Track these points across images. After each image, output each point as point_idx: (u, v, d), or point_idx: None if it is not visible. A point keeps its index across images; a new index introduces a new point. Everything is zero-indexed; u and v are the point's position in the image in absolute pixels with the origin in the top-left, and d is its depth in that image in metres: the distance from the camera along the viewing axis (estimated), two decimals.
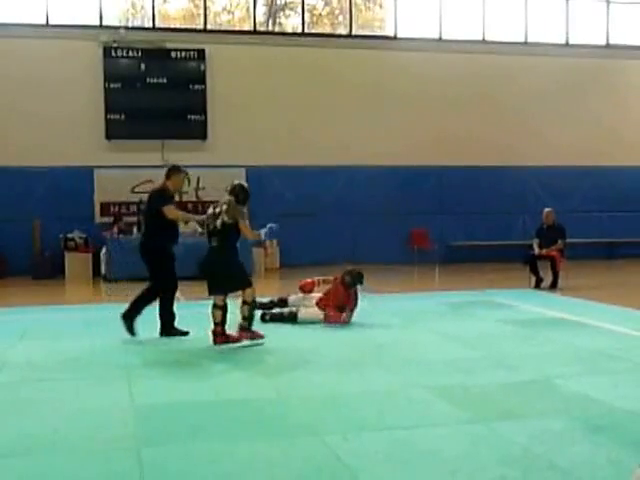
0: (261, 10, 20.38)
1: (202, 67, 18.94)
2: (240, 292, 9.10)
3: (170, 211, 9.52)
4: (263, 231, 9.45)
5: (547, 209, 15.36)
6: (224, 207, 8.97)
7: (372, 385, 7.20)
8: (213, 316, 9.05)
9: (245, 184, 9.46)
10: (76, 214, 17.99)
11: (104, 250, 17.04)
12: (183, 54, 18.89)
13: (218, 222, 8.97)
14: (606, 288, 15.09)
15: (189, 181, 18.98)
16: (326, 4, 21.16)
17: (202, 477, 4.88)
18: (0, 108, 18.05)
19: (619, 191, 21.39)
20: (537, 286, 14.72)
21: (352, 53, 19.89)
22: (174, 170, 9.83)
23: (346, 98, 19.74)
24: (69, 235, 17.70)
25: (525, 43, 21.23)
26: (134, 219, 17.98)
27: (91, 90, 18.38)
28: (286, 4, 20.83)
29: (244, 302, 9.05)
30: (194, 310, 12.39)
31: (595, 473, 4.85)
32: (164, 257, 9.71)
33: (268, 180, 19.13)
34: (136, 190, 18.53)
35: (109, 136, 18.52)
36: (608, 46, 21.86)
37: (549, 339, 9.42)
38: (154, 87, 18.70)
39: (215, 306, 9.07)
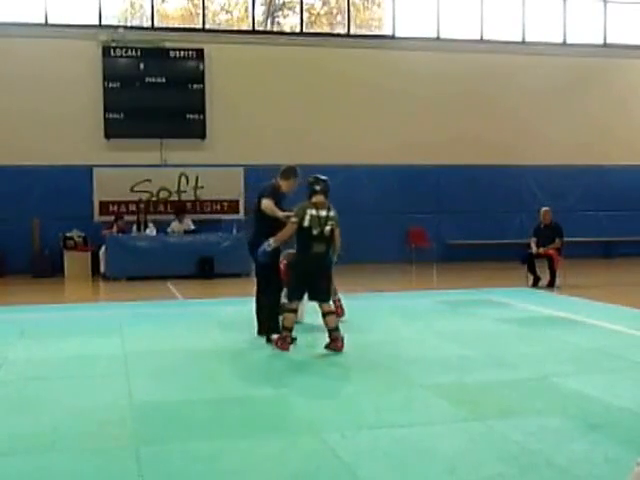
0: (259, 10, 20.38)
1: (201, 66, 18.95)
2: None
3: (266, 204, 9.02)
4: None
5: (544, 208, 15.39)
6: (332, 213, 8.53)
7: (370, 383, 7.22)
8: (286, 320, 8.57)
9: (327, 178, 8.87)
10: (75, 213, 18.00)
11: (103, 249, 17.06)
12: (182, 53, 18.90)
13: (328, 227, 8.45)
14: (603, 287, 15.12)
15: (187, 180, 19.06)
16: (324, 4, 21.18)
17: (200, 475, 4.90)
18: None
19: (616, 190, 21.41)
20: (534, 285, 14.75)
21: (350, 52, 19.90)
22: (291, 172, 9.43)
23: (344, 97, 19.76)
24: (68, 234, 17.70)
25: (523, 42, 21.25)
26: (133, 218, 18.02)
27: (90, 89, 18.38)
28: (284, 4, 20.85)
29: (331, 313, 8.60)
30: (194, 309, 12.46)
31: (592, 471, 4.87)
32: (273, 254, 9.04)
33: (267, 179, 19.01)
34: (135, 189, 18.58)
35: (108, 135, 18.53)
36: (605, 45, 21.88)
37: (546, 337, 9.45)
38: (153, 86, 18.71)
39: (291, 310, 8.60)
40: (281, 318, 8.73)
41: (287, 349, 8.49)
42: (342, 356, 8.31)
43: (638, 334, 9.63)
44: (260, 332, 9.37)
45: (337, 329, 8.44)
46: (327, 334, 8.48)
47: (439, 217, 20.28)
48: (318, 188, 8.54)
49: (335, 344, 8.40)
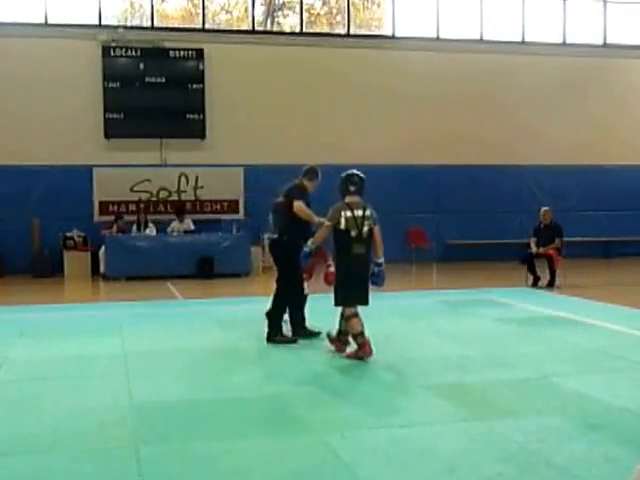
0: (259, 10, 20.39)
1: (200, 66, 18.95)
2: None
3: (299, 207, 8.92)
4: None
5: (544, 208, 15.39)
6: (368, 212, 8.21)
7: (370, 383, 7.24)
8: (352, 327, 8.18)
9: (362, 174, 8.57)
10: (75, 213, 18.00)
11: (103, 249, 17.06)
12: (182, 53, 18.90)
13: (366, 228, 8.14)
14: (603, 287, 15.13)
15: (187, 180, 19.06)
16: (324, 3, 21.18)
17: (200, 475, 4.91)
18: None
19: (616, 190, 21.41)
20: (534, 285, 14.76)
21: (350, 52, 19.90)
22: (315, 173, 9.40)
23: (344, 97, 19.76)
24: (68, 234, 17.71)
25: (522, 42, 21.25)
26: (133, 218, 18.02)
27: (90, 89, 18.38)
28: (284, 4, 20.84)
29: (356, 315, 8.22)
30: (194, 309, 12.47)
31: (591, 470, 4.87)
32: (295, 254, 8.86)
33: (266, 179, 19.11)
34: (135, 189, 18.58)
35: (108, 135, 18.52)
36: (605, 45, 21.89)
37: (546, 337, 9.45)
38: (153, 86, 18.71)
39: (352, 315, 8.18)
40: (345, 326, 8.29)
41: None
42: (339, 357, 8.30)
43: (638, 334, 9.63)
44: (296, 333, 9.27)
45: (362, 334, 8.11)
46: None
47: (439, 217, 20.28)
48: (353, 189, 8.26)
49: (360, 350, 8.11)
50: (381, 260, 8.25)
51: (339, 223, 8.11)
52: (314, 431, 5.74)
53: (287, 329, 9.35)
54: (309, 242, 8.39)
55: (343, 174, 8.44)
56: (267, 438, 5.60)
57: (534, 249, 14.99)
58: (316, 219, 8.79)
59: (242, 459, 5.18)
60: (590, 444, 5.37)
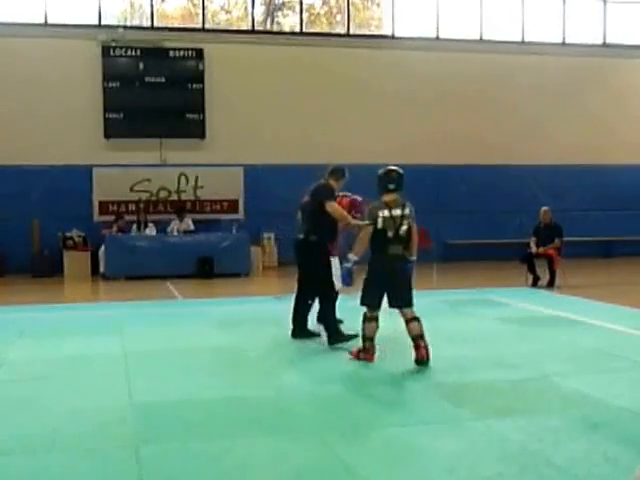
0: (259, 9, 20.39)
1: (200, 66, 18.94)
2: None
3: (333, 207, 8.76)
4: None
5: (544, 208, 15.38)
6: (407, 210, 7.96)
7: (370, 383, 7.24)
8: (367, 329, 8.00)
9: (401, 171, 8.33)
10: (75, 213, 18.00)
11: (103, 248, 17.06)
12: (181, 53, 18.90)
13: (404, 227, 7.89)
14: (603, 286, 15.11)
15: (187, 179, 19.06)
16: (324, 3, 21.19)
17: (200, 475, 4.90)
18: None
19: (616, 189, 21.42)
20: (534, 284, 14.75)
21: (350, 52, 19.90)
22: (342, 173, 9.19)
23: (344, 97, 19.76)
24: (68, 234, 17.70)
25: (522, 42, 21.24)
26: (133, 218, 18.02)
27: (90, 89, 18.38)
28: (284, 3, 20.85)
29: (415, 319, 7.90)
30: (194, 309, 12.47)
31: (591, 470, 4.87)
32: (323, 255, 8.86)
33: (266, 179, 19.17)
34: (135, 189, 18.58)
35: (108, 135, 18.52)
36: (605, 45, 21.89)
37: (546, 337, 9.45)
38: (152, 86, 18.71)
39: (371, 319, 8.00)
40: (361, 328, 8.08)
41: (371, 359, 7.97)
42: (341, 356, 8.29)
43: (638, 333, 9.63)
44: (293, 334, 9.25)
45: (421, 337, 7.84)
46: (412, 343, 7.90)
47: (439, 217, 20.24)
48: (392, 187, 8.03)
49: (418, 352, 7.80)
50: (413, 258, 8.04)
51: (376, 222, 7.88)
52: (314, 430, 5.74)
53: (318, 328, 9.23)
54: (350, 256, 8.06)
55: (380, 171, 8.23)
56: (267, 437, 5.59)
57: (534, 249, 14.99)
58: (352, 220, 8.63)
59: (242, 459, 5.17)
60: (590, 444, 5.36)
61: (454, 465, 4.96)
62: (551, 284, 14.56)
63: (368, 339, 8.00)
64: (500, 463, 4.97)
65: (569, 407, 6.29)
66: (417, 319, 7.88)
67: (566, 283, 14.59)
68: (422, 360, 7.75)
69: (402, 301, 7.92)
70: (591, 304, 12.30)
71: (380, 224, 7.86)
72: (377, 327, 8.01)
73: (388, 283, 7.90)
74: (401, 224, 7.86)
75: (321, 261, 8.81)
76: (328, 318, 8.93)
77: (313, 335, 9.21)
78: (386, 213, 7.88)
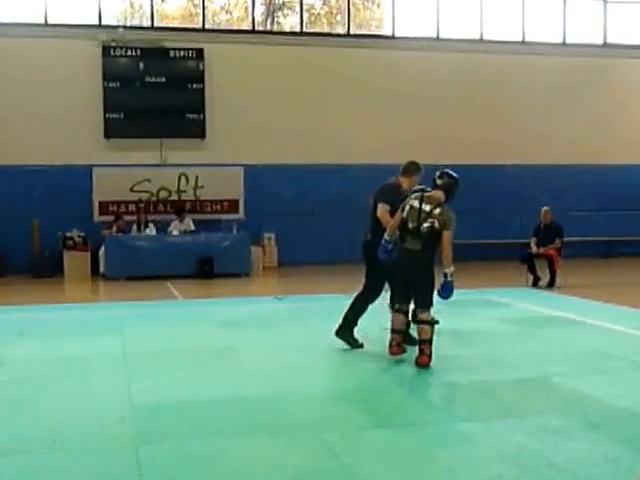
0: (259, 9, 20.39)
1: (201, 66, 18.94)
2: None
3: (382, 212, 8.33)
4: (451, 270, 7.64)
5: (545, 208, 15.37)
6: (437, 210, 7.57)
7: (370, 383, 7.23)
8: (394, 322, 7.92)
9: (457, 177, 7.88)
10: (75, 213, 18.00)
11: (103, 249, 17.05)
12: (182, 53, 18.89)
13: (426, 225, 7.55)
14: (603, 287, 15.11)
15: (187, 179, 19.06)
16: (324, 3, 21.19)
17: (200, 476, 4.90)
18: None
19: (617, 189, 21.40)
20: (534, 285, 14.75)
21: (350, 52, 19.89)
22: (412, 168, 8.72)
23: (344, 97, 19.74)
24: (68, 234, 17.68)
25: (522, 42, 21.24)
26: (133, 218, 18.01)
27: (90, 89, 18.37)
28: (284, 3, 20.84)
29: (426, 322, 7.72)
30: (194, 309, 12.47)
31: (592, 470, 4.86)
32: (376, 255, 8.31)
33: (267, 179, 19.18)
34: (135, 189, 18.58)
35: (108, 135, 18.52)
36: (605, 45, 21.89)
37: (546, 337, 9.44)
38: (153, 86, 18.70)
39: (399, 311, 7.92)
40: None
41: (396, 353, 7.85)
42: (340, 357, 8.29)
43: (638, 334, 9.62)
44: (337, 332, 8.72)
45: (425, 342, 7.68)
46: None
47: None
48: (439, 182, 7.73)
49: (418, 358, 7.68)
50: (447, 270, 7.60)
51: (404, 210, 7.76)
52: (313, 431, 5.72)
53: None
54: (385, 235, 7.90)
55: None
56: (267, 438, 5.59)
57: (534, 249, 14.98)
58: (394, 228, 8.10)
59: (242, 459, 5.17)
60: (590, 444, 5.35)
61: (454, 465, 4.96)
62: (551, 284, 14.56)
63: (394, 331, 7.91)
64: (500, 464, 4.96)
65: (569, 407, 6.28)
66: (429, 323, 7.71)
67: (566, 283, 14.58)
68: (420, 365, 7.65)
69: (416, 300, 7.81)
70: (591, 304, 12.29)
71: (405, 212, 7.73)
72: (403, 320, 7.92)
73: (405, 277, 7.81)
74: (425, 220, 7.57)
75: (374, 260, 8.36)
76: (353, 312, 8.65)
77: (353, 343, 8.70)
78: (415, 204, 7.69)
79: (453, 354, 8.45)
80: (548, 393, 6.78)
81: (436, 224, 7.52)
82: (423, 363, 7.64)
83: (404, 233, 7.74)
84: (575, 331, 9.91)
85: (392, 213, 8.17)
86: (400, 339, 7.92)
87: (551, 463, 4.97)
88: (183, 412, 6.26)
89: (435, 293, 7.75)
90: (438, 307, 11.59)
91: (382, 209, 8.37)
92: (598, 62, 21.54)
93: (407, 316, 8.03)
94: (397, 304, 7.96)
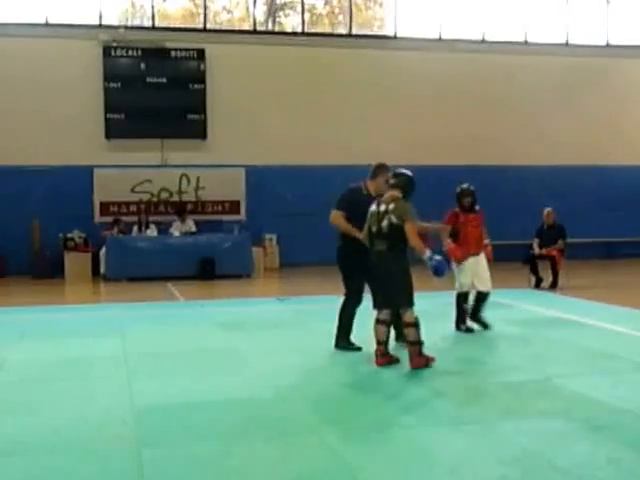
0: (261, 9, 20.40)
1: (202, 66, 18.94)
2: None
3: (334, 216, 8.51)
4: (429, 254, 7.75)
5: (547, 209, 15.33)
6: (391, 205, 7.64)
7: (372, 384, 7.20)
8: (376, 333, 7.84)
9: (411, 174, 7.99)
10: (76, 213, 17.98)
11: (104, 250, 17.03)
12: (183, 53, 18.89)
13: (384, 223, 7.64)
14: (606, 288, 15.07)
15: (188, 180, 19.04)
16: (326, 3, 21.17)
17: (202, 478, 4.88)
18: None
19: (619, 190, 21.38)
20: (537, 286, 14.72)
21: (352, 52, 19.88)
22: (379, 169, 8.64)
23: (346, 97, 19.73)
24: (69, 235, 17.69)
25: (525, 43, 21.24)
26: (134, 219, 17.99)
27: (91, 89, 18.37)
28: (286, 3, 20.83)
29: (409, 324, 7.66)
30: (195, 311, 12.44)
31: (595, 473, 4.83)
32: (344, 259, 8.57)
33: (268, 179, 19.15)
34: (136, 190, 18.56)
35: (109, 135, 18.51)
36: (608, 46, 21.87)
37: (549, 339, 9.40)
38: (154, 86, 18.70)
39: (378, 321, 7.83)
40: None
41: (381, 364, 7.76)
42: (342, 358, 8.27)
43: None
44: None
45: (412, 344, 7.64)
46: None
47: (441, 218, 20.15)
48: (393, 182, 7.84)
49: (411, 362, 7.64)
50: (424, 257, 7.68)
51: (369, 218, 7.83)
52: (316, 433, 5.71)
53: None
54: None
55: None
56: (269, 440, 5.56)
57: (537, 250, 14.95)
58: (345, 227, 8.36)
59: (244, 461, 5.14)
60: (594, 446, 5.32)
61: (457, 467, 4.93)
62: (554, 285, 14.53)
63: (377, 342, 7.86)
64: (503, 465, 4.93)
65: (572, 409, 6.24)
66: (412, 324, 7.64)
67: (569, 284, 14.55)
68: (414, 368, 7.61)
69: (390, 301, 7.78)
70: (594, 305, 12.25)
71: (368, 220, 7.85)
72: (385, 331, 7.80)
73: (377, 282, 7.89)
74: (382, 220, 7.65)
75: (345, 266, 8.56)
76: (344, 324, 8.67)
77: (351, 348, 8.60)
78: (373, 208, 7.82)
79: (455, 356, 8.44)
80: (551, 395, 6.74)
81: (393, 219, 7.59)
82: (414, 366, 7.61)
83: (372, 238, 7.82)
84: (578, 332, 9.87)
85: (355, 219, 8.23)
86: (384, 349, 7.86)
87: (554, 465, 4.94)
88: (184, 414, 6.23)
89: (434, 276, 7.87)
90: (442, 309, 11.61)
91: (333, 214, 8.54)
92: (601, 62, 21.52)
93: (388, 325, 7.91)
94: (377, 313, 7.90)
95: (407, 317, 7.66)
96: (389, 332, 7.94)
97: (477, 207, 10.56)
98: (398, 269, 7.73)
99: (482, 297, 10.02)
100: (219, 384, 7.27)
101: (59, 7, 18.45)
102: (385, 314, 7.83)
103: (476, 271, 10.04)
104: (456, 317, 9.99)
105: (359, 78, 19.74)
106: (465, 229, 10.27)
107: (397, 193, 7.74)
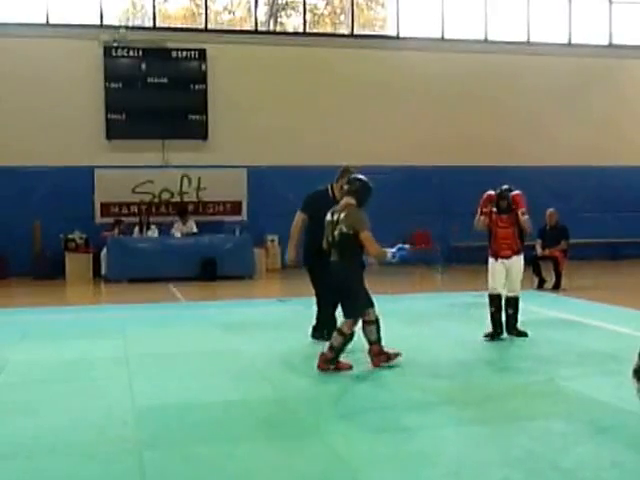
0: (262, 10, 20.38)
1: (203, 67, 18.92)
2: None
3: (295, 219, 8.73)
4: (391, 250, 7.73)
5: (550, 210, 15.30)
6: (342, 214, 7.42)
7: (374, 385, 7.18)
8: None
9: (366, 179, 7.78)
10: (76, 214, 17.95)
11: (104, 250, 17.00)
12: (184, 54, 18.87)
13: (336, 232, 7.42)
14: (609, 289, 15.03)
15: (190, 181, 19.02)
16: (327, 3, 21.15)
17: (204, 479, 4.86)
18: (0, 108, 18.00)
19: (623, 191, 21.35)
20: (540, 287, 14.68)
21: (354, 53, 19.85)
22: (341, 173, 8.66)
23: (347, 98, 19.71)
24: (70, 235, 17.67)
25: (528, 43, 21.21)
26: (135, 219, 17.96)
27: (92, 90, 18.35)
28: (287, 4, 20.81)
29: (365, 322, 7.61)
30: (196, 312, 12.42)
31: (599, 474, 4.81)
32: (314, 266, 8.73)
33: (269, 180, 19.12)
34: (137, 190, 18.54)
35: (110, 136, 18.49)
36: (611, 46, 21.84)
37: (552, 340, 9.38)
38: (155, 87, 18.68)
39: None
40: None
41: (376, 365, 7.71)
42: (344, 357, 8.22)
43: None
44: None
45: (371, 343, 7.68)
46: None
47: (443, 219, 20.15)
48: (346, 188, 7.65)
49: (371, 362, 7.70)
50: (387, 259, 7.70)
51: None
52: (318, 435, 5.68)
53: None
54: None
55: None
56: (271, 442, 5.54)
57: (540, 251, 14.91)
58: (290, 238, 8.70)
59: (246, 463, 5.12)
60: (597, 447, 5.30)
61: (459, 469, 4.91)
62: (557, 286, 14.51)
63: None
64: (506, 467, 4.90)
65: (575, 411, 6.22)
66: (373, 322, 7.61)
67: (572, 285, 14.52)
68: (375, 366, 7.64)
69: (344, 310, 7.69)
70: (597, 306, 12.23)
71: (326, 229, 7.64)
72: (339, 337, 7.54)
73: (336, 291, 7.78)
74: (335, 229, 7.46)
75: (313, 271, 8.88)
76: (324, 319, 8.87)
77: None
78: (329, 217, 7.61)
79: (458, 356, 8.42)
80: (554, 396, 6.72)
81: (344, 228, 7.37)
82: (376, 365, 7.63)
83: (329, 249, 7.64)
84: (581, 333, 9.85)
85: (316, 222, 8.16)
86: (330, 356, 7.61)
87: (557, 467, 4.92)
88: (186, 415, 6.21)
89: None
90: (444, 310, 11.60)
91: (296, 217, 8.73)
92: (604, 62, 21.48)
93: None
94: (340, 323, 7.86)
95: (347, 326, 7.52)
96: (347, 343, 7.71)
97: (516, 192, 10.65)
98: (347, 278, 7.54)
99: (509, 303, 9.86)
100: (220, 385, 7.26)
101: (60, 7, 18.45)
102: (341, 323, 7.71)
103: (502, 276, 10.21)
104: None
105: (361, 78, 19.71)
106: (495, 228, 10.46)
107: (351, 200, 7.52)
